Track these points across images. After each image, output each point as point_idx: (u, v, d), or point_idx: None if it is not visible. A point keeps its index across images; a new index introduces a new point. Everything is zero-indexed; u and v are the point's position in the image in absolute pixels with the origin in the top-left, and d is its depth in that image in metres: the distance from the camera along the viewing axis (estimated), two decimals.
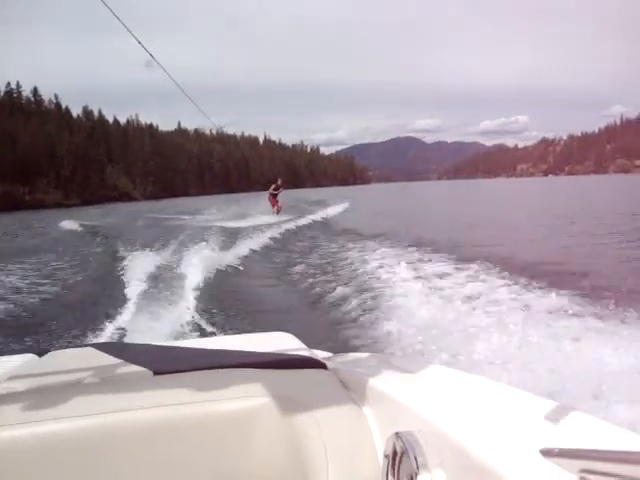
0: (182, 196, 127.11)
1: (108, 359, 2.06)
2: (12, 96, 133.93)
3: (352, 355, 2.41)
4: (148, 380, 1.78)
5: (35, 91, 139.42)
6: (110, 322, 8.33)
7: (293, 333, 2.62)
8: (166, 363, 2.02)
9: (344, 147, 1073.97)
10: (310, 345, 2.39)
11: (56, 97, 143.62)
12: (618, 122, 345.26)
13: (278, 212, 32.73)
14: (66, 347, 3.49)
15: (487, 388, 1.60)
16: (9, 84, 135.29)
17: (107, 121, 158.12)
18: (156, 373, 1.83)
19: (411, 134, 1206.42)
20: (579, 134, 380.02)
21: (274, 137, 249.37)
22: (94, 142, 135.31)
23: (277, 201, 33.67)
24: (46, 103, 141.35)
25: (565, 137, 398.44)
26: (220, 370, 1.83)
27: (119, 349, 2.35)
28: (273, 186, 33.92)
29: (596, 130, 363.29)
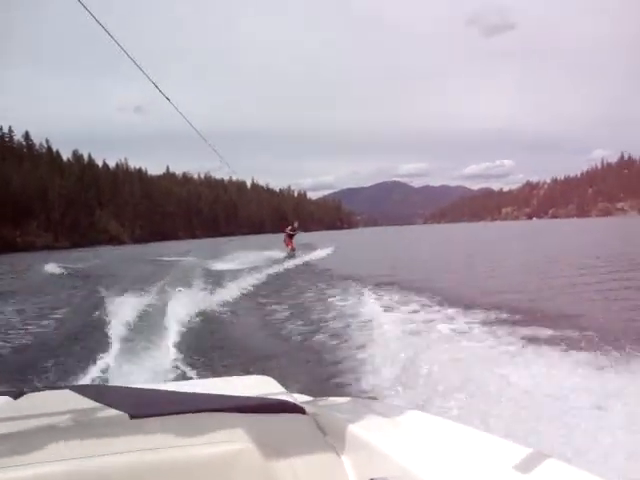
0: (171, 239, 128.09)
1: (84, 402, 2.04)
2: (4, 140, 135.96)
3: (332, 399, 2.44)
4: (124, 424, 1.76)
5: (27, 135, 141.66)
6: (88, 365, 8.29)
7: (273, 376, 2.71)
8: (143, 406, 2.00)
9: (331, 191, 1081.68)
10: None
11: (47, 141, 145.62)
12: (599, 166, 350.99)
13: (292, 250, 33.50)
14: (42, 389, 3.48)
15: (464, 435, 1.59)
16: (1, 128, 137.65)
17: (97, 165, 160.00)
18: (133, 417, 1.81)
19: (397, 178, 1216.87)
20: (562, 178, 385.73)
21: (262, 181, 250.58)
22: (84, 186, 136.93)
23: (292, 242, 34.47)
24: (37, 147, 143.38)
25: (549, 181, 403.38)
26: (197, 414, 1.83)
27: (96, 391, 2.35)
28: (289, 227, 35.06)
29: (578, 174, 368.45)
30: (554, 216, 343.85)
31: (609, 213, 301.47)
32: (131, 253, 58.44)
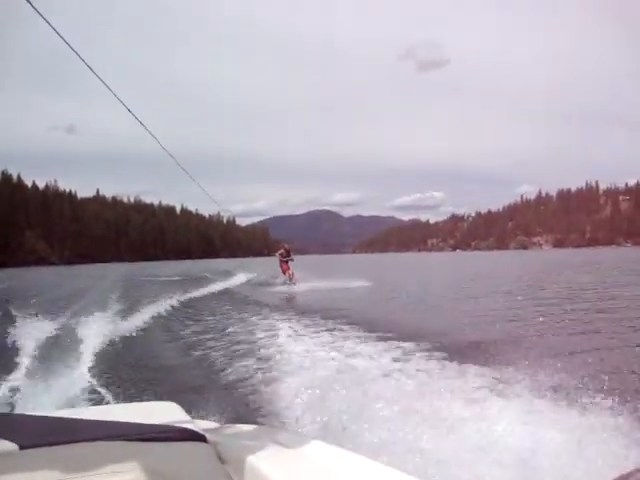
0: (98, 262, 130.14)
1: None
2: None
3: (237, 427, 2.45)
4: (13, 455, 1.64)
5: None
6: None
7: (178, 403, 2.66)
8: (35, 436, 1.87)
9: (262, 218, 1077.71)
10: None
11: None
12: (519, 201, 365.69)
13: (291, 279, 29.33)
14: None
15: (361, 467, 1.60)
16: None
17: (26, 185, 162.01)
18: (22, 448, 1.68)
19: (328, 207, 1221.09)
20: (485, 212, 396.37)
21: (192, 206, 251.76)
22: (13, 207, 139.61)
23: (289, 267, 29.92)
24: None
25: (474, 214, 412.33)
26: (92, 443, 1.75)
27: None
28: (281, 251, 30.48)
29: (501, 208, 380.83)
30: (476, 248, 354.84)
31: (525, 246, 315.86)
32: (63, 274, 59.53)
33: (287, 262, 29.97)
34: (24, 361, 10.07)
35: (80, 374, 9.57)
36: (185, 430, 1.97)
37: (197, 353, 10.92)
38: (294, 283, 28.70)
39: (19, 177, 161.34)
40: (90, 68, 2.80)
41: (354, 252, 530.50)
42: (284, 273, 29.89)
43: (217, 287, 29.65)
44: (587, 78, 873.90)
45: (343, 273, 31.62)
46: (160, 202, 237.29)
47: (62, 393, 8.39)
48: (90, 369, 9.79)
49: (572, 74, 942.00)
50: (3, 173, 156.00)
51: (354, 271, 39.04)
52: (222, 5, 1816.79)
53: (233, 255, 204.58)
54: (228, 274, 41.99)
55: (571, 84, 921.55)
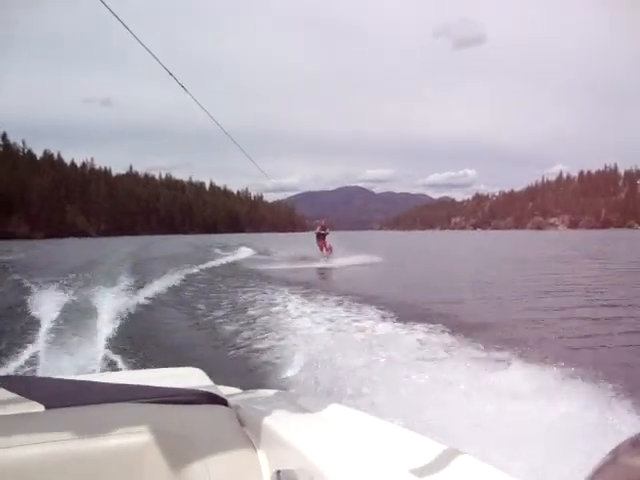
0: (130, 235, 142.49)
1: (2, 393, 1.96)
2: None
3: (259, 392, 2.49)
4: (39, 415, 1.72)
5: (4, 135, 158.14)
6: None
7: (201, 368, 2.72)
8: (60, 397, 1.92)
9: (295, 193, 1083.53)
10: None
11: (23, 142, 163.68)
12: (541, 181, 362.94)
13: (328, 254, 29.35)
14: None
15: (382, 430, 1.59)
16: None
17: (65, 164, 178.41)
18: (47, 407, 1.76)
19: (361, 184, 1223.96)
20: (508, 191, 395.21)
21: (221, 182, 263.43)
22: (56, 184, 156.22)
23: (325, 243, 30.03)
24: (13, 145, 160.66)
25: (497, 194, 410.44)
26: (115, 404, 1.79)
27: (12, 382, 2.25)
28: (319, 227, 30.36)
29: (523, 189, 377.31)
30: (495, 227, 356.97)
31: (541, 227, 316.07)
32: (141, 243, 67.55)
33: (324, 237, 29.99)
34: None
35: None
36: (206, 394, 2.00)
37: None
38: (327, 258, 29.01)
39: (59, 155, 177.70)
40: (137, 38, 2.83)
41: (380, 229, 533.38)
42: (321, 249, 30.04)
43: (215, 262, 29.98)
44: (627, 59, 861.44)
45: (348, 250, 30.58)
46: (190, 178, 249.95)
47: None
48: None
49: (612, 54, 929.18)
50: (45, 152, 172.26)
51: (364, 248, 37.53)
52: None
53: (257, 230, 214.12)
54: (226, 248, 45.97)
55: (611, 64, 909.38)
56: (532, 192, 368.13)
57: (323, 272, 24.20)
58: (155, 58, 3.14)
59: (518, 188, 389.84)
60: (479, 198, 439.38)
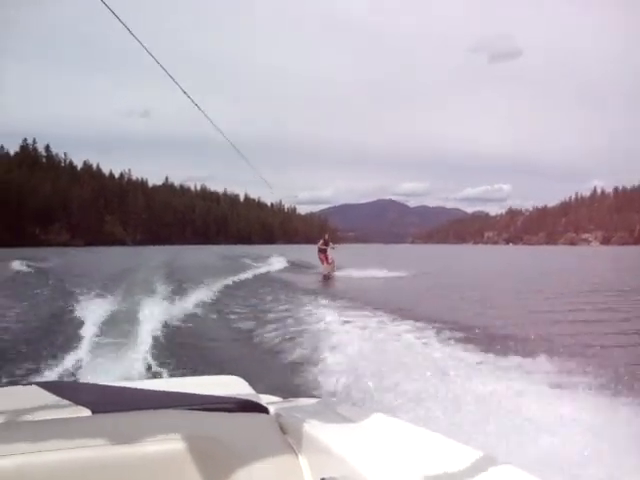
0: (165, 244, 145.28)
1: (49, 398, 2.05)
2: (28, 150, 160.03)
3: (299, 401, 2.50)
4: (86, 420, 1.77)
5: (47, 147, 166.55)
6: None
7: (243, 377, 2.75)
8: (106, 403, 2.02)
9: (328, 206, 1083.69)
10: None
11: (65, 154, 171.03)
12: (574, 198, 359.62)
13: (331, 270, 29.76)
14: (9, 385, 3.51)
15: (423, 439, 1.58)
16: (25, 140, 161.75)
17: (104, 174, 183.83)
18: (94, 412, 1.83)
19: (394, 197, 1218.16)
20: (541, 206, 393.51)
21: (255, 194, 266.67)
22: (95, 195, 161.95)
23: (327, 257, 30.57)
24: (55, 156, 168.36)
25: (531, 209, 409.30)
26: (158, 411, 1.83)
27: (61, 388, 2.39)
28: (321, 241, 31.23)
29: (557, 204, 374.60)
30: (527, 243, 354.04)
31: (574, 243, 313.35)
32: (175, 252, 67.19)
33: (325, 251, 30.61)
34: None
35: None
36: (248, 402, 2.04)
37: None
38: (330, 270, 29.69)
39: (98, 166, 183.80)
40: (151, 55, 2.65)
41: (413, 242, 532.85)
42: (322, 262, 30.75)
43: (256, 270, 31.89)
44: None
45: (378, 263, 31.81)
46: (225, 190, 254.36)
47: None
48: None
49: None
50: (85, 163, 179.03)
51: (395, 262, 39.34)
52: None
53: (290, 242, 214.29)
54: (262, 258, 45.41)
55: None
56: (566, 208, 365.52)
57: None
58: (174, 81, 3.19)
59: (552, 203, 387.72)
60: (512, 213, 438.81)
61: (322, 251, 30.64)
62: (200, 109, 3.37)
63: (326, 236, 31.68)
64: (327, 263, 30.19)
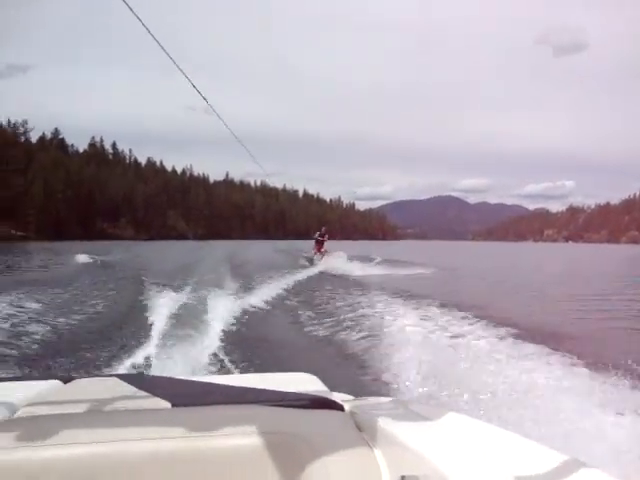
0: (225, 239, 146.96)
1: (129, 389, 2.14)
2: (95, 147, 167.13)
3: (373, 399, 2.44)
4: (165, 412, 1.82)
5: (114, 144, 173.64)
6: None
7: (316, 375, 2.71)
8: (184, 396, 2.07)
9: (387, 202, 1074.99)
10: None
11: (130, 150, 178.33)
12: (638, 195, 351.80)
13: (321, 255, 33.15)
14: (90, 376, 3.68)
15: (499, 438, 1.57)
16: (93, 138, 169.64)
17: (167, 171, 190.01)
18: (174, 405, 1.88)
19: (454, 193, 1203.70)
20: (603, 204, 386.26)
21: (314, 189, 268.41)
22: (158, 190, 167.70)
23: (321, 247, 33.97)
24: (120, 153, 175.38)
25: (593, 206, 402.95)
26: (235, 406, 1.86)
27: (141, 380, 2.49)
28: (318, 233, 34.81)
29: (619, 202, 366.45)
30: (587, 240, 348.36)
31: (636, 241, 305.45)
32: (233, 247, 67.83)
33: (322, 243, 34.12)
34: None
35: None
36: (323, 399, 2.02)
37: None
38: (319, 259, 32.56)
39: (161, 162, 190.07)
40: (169, 55, 2.94)
41: (473, 239, 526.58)
42: (316, 252, 33.97)
43: None
44: None
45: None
46: (284, 185, 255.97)
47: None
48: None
49: None
50: (148, 159, 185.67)
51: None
52: None
53: (348, 238, 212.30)
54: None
55: None
56: (629, 205, 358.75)
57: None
58: (189, 80, 3.43)
59: (614, 201, 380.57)
60: (573, 210, 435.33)
61: (318, 242, 34.36)
62: (215, 111, 3.70)
63: (323, 229, 35.32)
64: (320, 252, 33.62)
